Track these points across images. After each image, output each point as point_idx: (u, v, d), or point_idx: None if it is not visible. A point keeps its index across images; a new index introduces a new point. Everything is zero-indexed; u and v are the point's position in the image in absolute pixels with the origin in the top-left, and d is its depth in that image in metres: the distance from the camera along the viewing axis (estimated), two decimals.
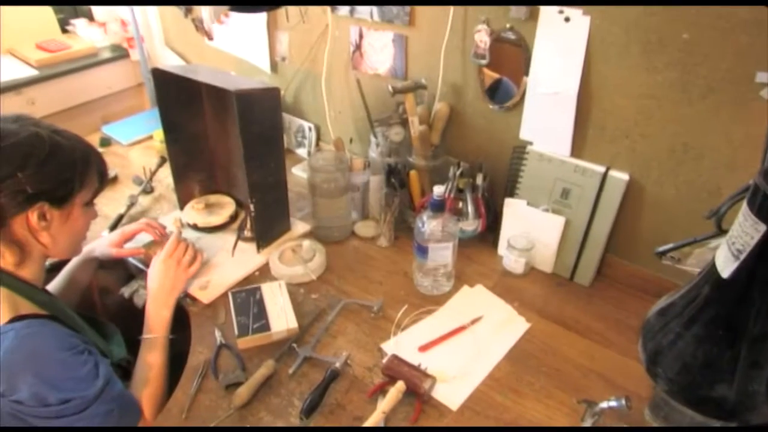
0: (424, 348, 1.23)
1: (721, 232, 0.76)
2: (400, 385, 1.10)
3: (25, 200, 0.98)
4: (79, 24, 2.37)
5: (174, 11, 2.14)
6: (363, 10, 1.55)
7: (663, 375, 0.78)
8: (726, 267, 0.70)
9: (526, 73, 1.33)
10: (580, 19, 1.19)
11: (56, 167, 1.01)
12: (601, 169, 1.30)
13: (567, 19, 1.21)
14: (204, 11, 1.95)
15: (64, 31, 2.40)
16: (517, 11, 1.26)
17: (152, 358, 1.18)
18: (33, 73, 2.09)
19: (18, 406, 0.94)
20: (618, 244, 1.39)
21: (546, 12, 1.23)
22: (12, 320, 0.96)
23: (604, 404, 1.02)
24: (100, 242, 1.40)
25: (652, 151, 1.24)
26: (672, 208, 1.27)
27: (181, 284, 1.31)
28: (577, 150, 1.34)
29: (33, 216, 1.00)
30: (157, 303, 1.25)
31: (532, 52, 1.30)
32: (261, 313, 1.27)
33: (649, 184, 1.28)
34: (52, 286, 1.33)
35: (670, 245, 0.88)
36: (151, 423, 1.11)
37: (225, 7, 1.69)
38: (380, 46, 1.58)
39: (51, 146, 1.01)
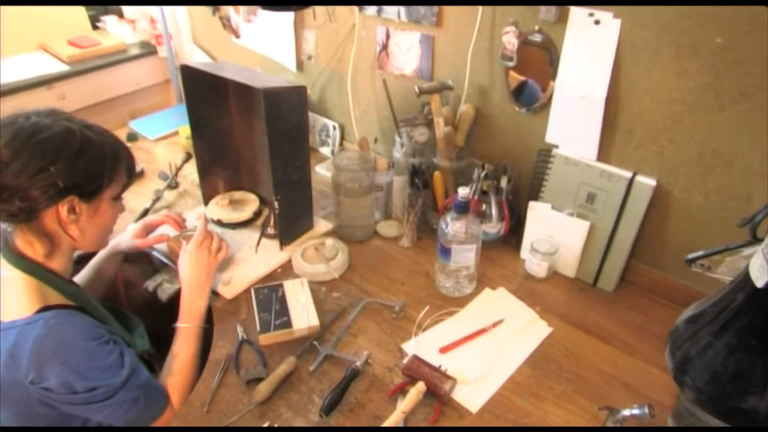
0: (444, 349, 1.23)
1: (756, 240, 0.74)
2: (420, 386, 1.10)
3: (56, 194, 1.00)
4: (109, 21, 2.41)
5: (202, 9, 2.16)
6: (390, 10, 1.55)
7: (691, 384, 0.77)
8: (761, 276, 0.68)
9: (554, 76, 1.32)
10: (610, 22, 1.18)
11: (87, 162, 1.03)
12: (628, 174, 1.28)
13: (597, 22, 1.20)
14: (232, 10, 1.97)
15: (95, 27, 2.44)
16: (547, 13, 1.25)
17: (185, 348, 1.20)
18: (64, 68, 2.12)
19: (47, 393, 0.97)
20: (643, 251, 1.37)
21: (576, 14, 1.22)
22: (41, 310, 0.98)
23: (626, 412, 1.01)
24: (124, 235, 1.42)
25: (680, 156, 1.22)
26: (700, 215, 1.25)
27: (213, 273, 1.32)
28: (603, 154, 1.33)
29: (63, 209, 1.02)
30: (192, 293, 1.26)
31: (560, 54, 1.29)
32: (283, 310, 1.28)
33: (676, 190, 1.26)
34: (79, 279, 1.35)
35: (701, 252, 0.87)
36: (177, 411, 1.13)
37: (257, 6, 1.71)
38: (407, 47, 1.58)
39: (82, 141, 1.02)
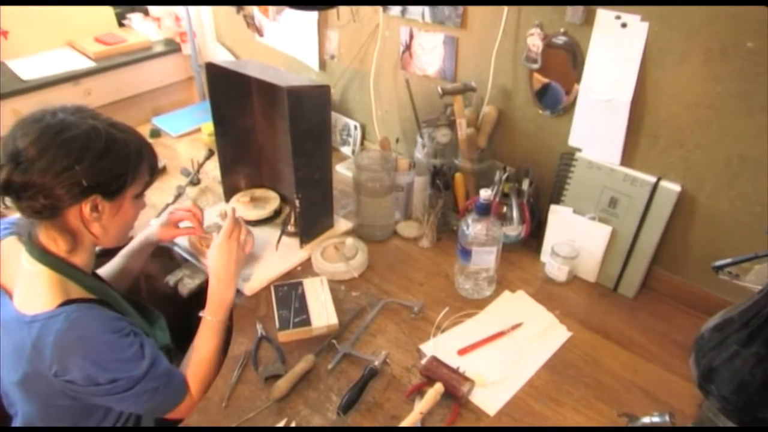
0: (463, 351, 1.22)
1: None
2: (438, 387, 1.10)
3: (80, 192, 1.00)
4: (135, 18, 2.44)
5: (226, 7, 2.18)
6: (414, 11, 1.55)
7: (716, 393, 0.76)
8: None
9: (578, 79, 1.31)
10: (637, 25, 1.17)
11: (111, 162, 1.03)
12: (652, 179, 1.27)
13: (624, 25, 1.18)
14: (256, 9, 1.98)
15: (121, 25, 2.47)
16: (573, 15, 1.24)
17: (208, 341, 1.22)
18: (90, 64, 2.16)
19: (70, 385, 0.98)
20: (666, 257, 1.35)
21: (602, 17, 1.21)
22: (62, 304, 1.00)
23: (646, 419, 1.00)
24: (152, 230, 1.42)
25: (706, 162, 1.21)
26: (725, 221, 1.23)
27: (241, 264, 1.32)
28: (627, 159, 1.31)
29: (86, 207, 1.03)
30: (221, 285, 1.27)
31: (585, 57, 1.28)
32: (302, 308, 1.29)
33: (701, 196, 1.25)
34: (105, 272, 1.36)
35: (729, 260, 0.85)
36: (197, 401, 1.14)
37: (285, 6, 1.71)
38: (430, 47, 1.57)
39: (107, 140, 1.02)
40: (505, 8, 1.36)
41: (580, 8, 1.23)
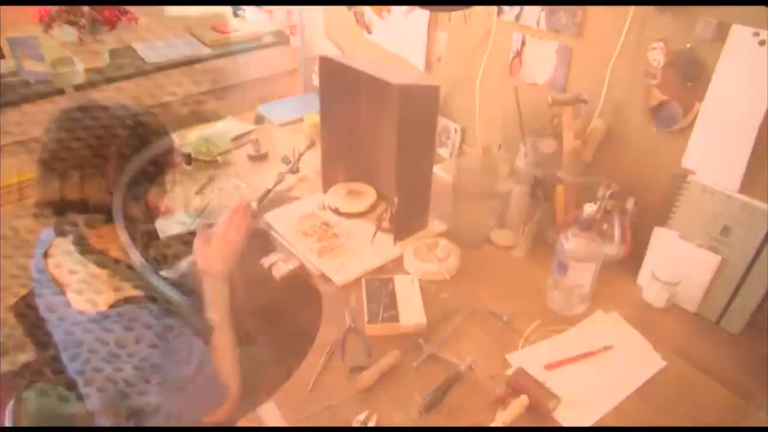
0: (550, 366, 1.19)
1: None
2: (523, 399, 1.08)
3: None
4: (249, 9, 2.55)
5: None
6: (530, 18, 1.52)
7: None
8: None
9: (701, 98, 1.25)
10: None
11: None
12: None
13: (762, 43, 1.11)
14: (367, 7, 2.02)
15: (236, 15, 2.60)
16: (704, 30, 1.18)
17: (218, 336, 1.21)
18: (206, 51, 2.28)
19: (124, 384, 1.01)
20: None
21: (737, 33, 1.14)
22: (114, 305, 1.02)
23: None
24: None
25: None
26: None
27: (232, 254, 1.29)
28: (747, 186, 1.23)
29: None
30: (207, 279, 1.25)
31: (711, 75, 1.21)
32: (392, 304, 1.30)
33: None
34: None
35: None
36: (238, 394, 1.18)
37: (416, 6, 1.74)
38: (542, 56, 1.54)
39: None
40: (628, 19, 1.31)
41: (712, 23, 1.17)
